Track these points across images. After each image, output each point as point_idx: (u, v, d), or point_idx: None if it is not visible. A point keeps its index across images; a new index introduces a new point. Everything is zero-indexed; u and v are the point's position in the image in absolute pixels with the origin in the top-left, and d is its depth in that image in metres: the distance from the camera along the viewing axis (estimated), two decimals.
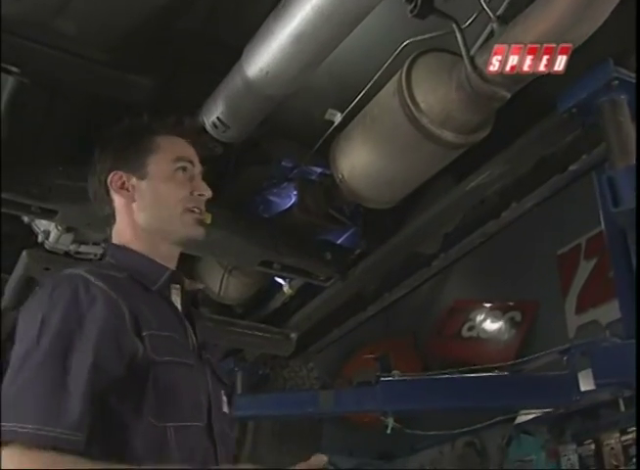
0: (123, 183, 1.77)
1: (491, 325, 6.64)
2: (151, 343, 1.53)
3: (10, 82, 2.76)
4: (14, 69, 2.72)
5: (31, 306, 1.55)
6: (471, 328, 6.74)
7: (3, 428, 1.34)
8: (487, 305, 6.74)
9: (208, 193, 1.77)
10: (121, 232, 1.77)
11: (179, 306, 1.73)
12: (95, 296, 1.52)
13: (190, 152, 1.81)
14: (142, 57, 2.75)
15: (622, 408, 3.67)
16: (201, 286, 1.89)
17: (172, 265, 1.76)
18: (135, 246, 1.74)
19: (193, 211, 1.74)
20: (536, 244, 5.93)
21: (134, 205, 1.76)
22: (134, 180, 1.76)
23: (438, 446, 6.58)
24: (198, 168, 1.81)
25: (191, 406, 1.57)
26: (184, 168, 1.77)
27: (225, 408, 1.71)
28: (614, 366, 3.44)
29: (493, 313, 6.68)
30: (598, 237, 5.50)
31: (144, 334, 1.53)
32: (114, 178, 1.77)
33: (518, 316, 6.46)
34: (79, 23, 2.61)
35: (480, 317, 6.73)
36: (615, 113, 2.36)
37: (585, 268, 6.09)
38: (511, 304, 6.55)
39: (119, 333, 1.51)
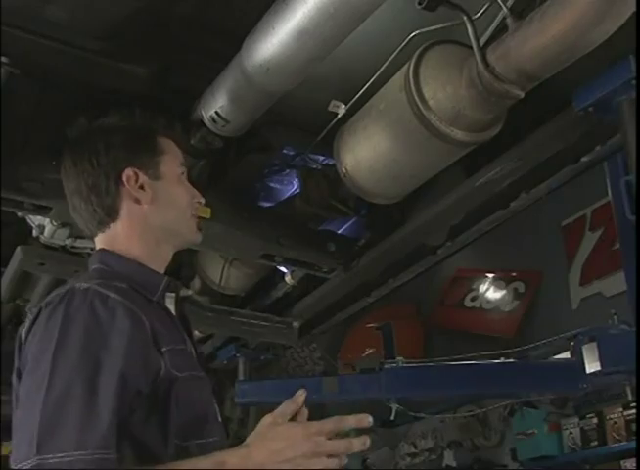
0: (142, 183, 1.64)
1: (494, 296, 6.59)
2: (171, 358, 1.46)
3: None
4: (3, 58, 2.62)
5: (46, 327, 1.43)
6: (474, 298, 6.69)
7: (50, 461, 1.26)
8: (490, 275, 6.68)
9: (203, 200, 1.75)
10: (119, 235, 1.63)
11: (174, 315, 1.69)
12: (114, 309, 1.42)
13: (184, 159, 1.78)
14: (137, 45, 2.64)
15: (630, 396, 3.64)
16: (189, 292, 1.84)
17: (164, 269, 1.69)
18: (131, 251, 1.62)
19: (195, 217, 1.71)
20: (541, 214, 5.84)
21: (146, 206, 1.64)
22: (147, 180, 1.64)
23: (440, 414, 6.59)
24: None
25: (209, 421, 1.52)
26: (183, 173, 1.73)
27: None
28: (621, 354, 3.40)
29: (496, 284, 6.62)
30: (603, 208, 5.42)
31: (164, 349, 1.45)
32: (130, 175, 1.63)
33: (521, 287, 6.40)
34: (71, 11, 2.50)
35: (483, 288, 6.68)
36: (634, 113, 2.25)
37: (590, 240, 6.01)
38: (514, 274, 6.49)
39: (145, 347, 1.43)
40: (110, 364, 1.36)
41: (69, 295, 1.44)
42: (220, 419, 1.59)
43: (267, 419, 1.36)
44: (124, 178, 1.62)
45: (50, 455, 1.26)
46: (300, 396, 1.40)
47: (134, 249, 1.62)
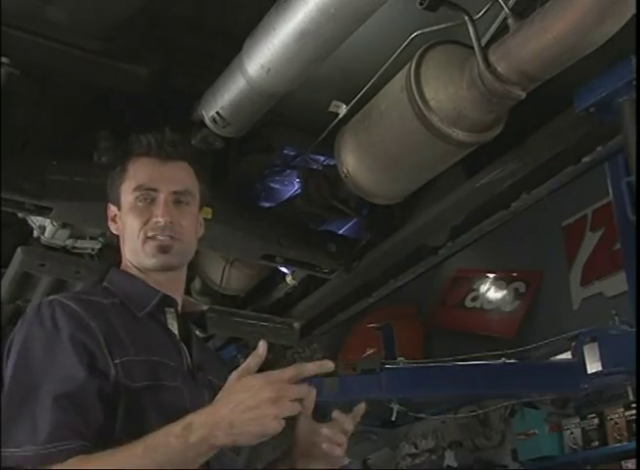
0: (114, 216, 1.75)
1: (495, 296, 6.57)
2: (124, 369, 1.51)
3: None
4: (4, 59, 2.62)
5: (14, 335, 1.55)
6: (474, 298, 6.68)
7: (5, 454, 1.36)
8: (491, 275, 6.67)
9: (165, 219, 1.65)
10: (122, 258, 1.76)
11: (175, 330, 1.70)
12: (71, 317, 1.52)
13: (156, 174, 1.69)
14: (138, 46, 2.64)
15: (631, 397, 3.64)
16: (204, 308, 1.82)
17: (171, 290, 1.71)
18: (133, 271, 1.72)
19: (153, 239, 1.66)
20: (541, 215, 5.84)
21: (119, 235, 1.75)
22: (117, 211, 1.75)
23: (441, 414, 6.57)
24: (166, 191, 1.68)
25: None
26: (145, 195, 1.68)
27: None
28: (623, 354, 3.39)
29: (497, 284, 6.61)
30: (604, 208, 5.41)
31: (116, 361, 1.51)
32: (108, 211, 1.76)
33: (522, 287, 6.39)
34: (71, 12, 2.50)
35: (483, 288, 6.67)
36: (635, 113, 2.24)
37: (591, 240, 6.00)
38: (515, 274, 6.47)
39: (92, 355, 1.49)
40: (57, 370, 1.45)
41: (36, 308, 1.56)
42: None
43: (233, 376, 1.37)
44: (107, 213, 1.75)
45: (7, 449, 1.37)
46: (262, 347, 1.40)
47: (134, 270, 1.71)
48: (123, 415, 1.48)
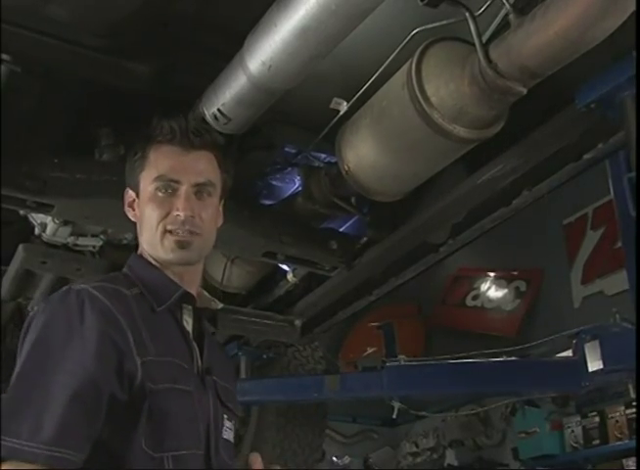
0: (132, 201, 1.71)
1: (496, 295, 6.59)
2: (145, 370, 1.49)
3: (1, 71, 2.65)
4: (5, 56, 2.62)
5: (36, 321, 1.51)
6: (475, 297, 6.70)
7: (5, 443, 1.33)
8: (492, 274, 6.68)
9: (186, 213, 1.61)
10: (139, 246, 1.74)
11: (190, 327, 1.67)
12: (101, 312, 1.49)
13: (178, 165, 1.65)
14: (139, 43, 2.64)
15: (633, 394, 3.64)
16: (219, 306, 1.80)
17: (189, 283, 1.69)
18: (150, 260, 1.69)
19: (172, 233, 1.63)
20: (543, 213, 5.85)
21: (137, 222, 1.72)
22: (135, 198, 1.72)
23: (442, 413, 6.59)
24: (188, 183, 1.63)
25: (188, 434, 1.53)
26: (166, 186, 1.64)
27: (227, 435, 1.66)
28: (624, 352, 3.39)
29: (498, 283, 6.63)
30: (605, 207, 5.42)
31: (140, 361, 1.49)
32: (125, 196, 1.73)
33: (523, 286, 6.41)
34: (72, 9, 2.50)
35: (484, 286, 6.68)
36: (637, 109, 2.24)
37: (592, 238, 6.02)
38: (515, 273, 6.49)
39: (121, 353, 1.47)
40: (76, 365, 1.41)
41: (64, 294, 1.52)
42: (212, 430, 1.59)
43: None
44: (124, 198, 1.73)
45: (7, 438, 1.33)
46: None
47: (152, 260, 1.68)
48: (146, 418, 1.46)
